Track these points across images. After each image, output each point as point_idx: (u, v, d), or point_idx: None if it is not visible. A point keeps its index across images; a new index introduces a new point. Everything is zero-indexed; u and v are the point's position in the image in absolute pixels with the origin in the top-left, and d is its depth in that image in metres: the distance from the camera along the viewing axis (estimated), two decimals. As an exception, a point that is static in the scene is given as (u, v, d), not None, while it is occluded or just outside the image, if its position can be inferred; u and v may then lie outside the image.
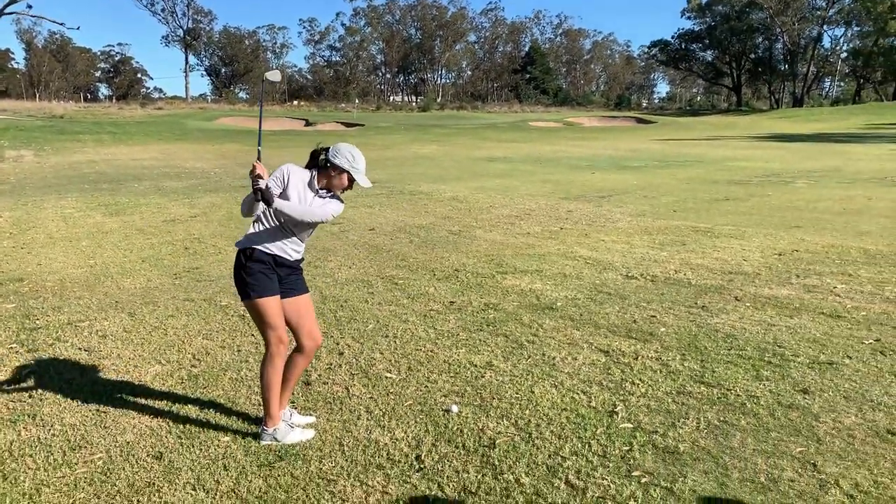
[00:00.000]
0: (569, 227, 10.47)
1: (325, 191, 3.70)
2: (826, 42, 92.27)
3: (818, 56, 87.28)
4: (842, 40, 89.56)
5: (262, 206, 3.51)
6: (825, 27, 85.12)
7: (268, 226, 3.66)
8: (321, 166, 3.67)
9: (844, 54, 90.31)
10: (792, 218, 11.12)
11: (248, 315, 6.04)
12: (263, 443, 3.73)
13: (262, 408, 3.88)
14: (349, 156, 3.63)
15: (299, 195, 3.63)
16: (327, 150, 3.69)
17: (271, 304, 3.63)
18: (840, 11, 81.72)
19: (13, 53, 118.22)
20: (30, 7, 39.84)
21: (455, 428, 3.87)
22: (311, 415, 4.10)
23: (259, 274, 3.61)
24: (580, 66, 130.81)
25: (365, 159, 3.72)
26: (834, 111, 66.28)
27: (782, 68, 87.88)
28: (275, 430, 3.75)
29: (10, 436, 3.84)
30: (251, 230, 3.69)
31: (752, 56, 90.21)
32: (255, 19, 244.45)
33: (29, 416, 4.09)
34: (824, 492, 3.17)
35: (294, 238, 3.72)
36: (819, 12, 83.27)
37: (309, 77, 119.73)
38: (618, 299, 6.48)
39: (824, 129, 45.66)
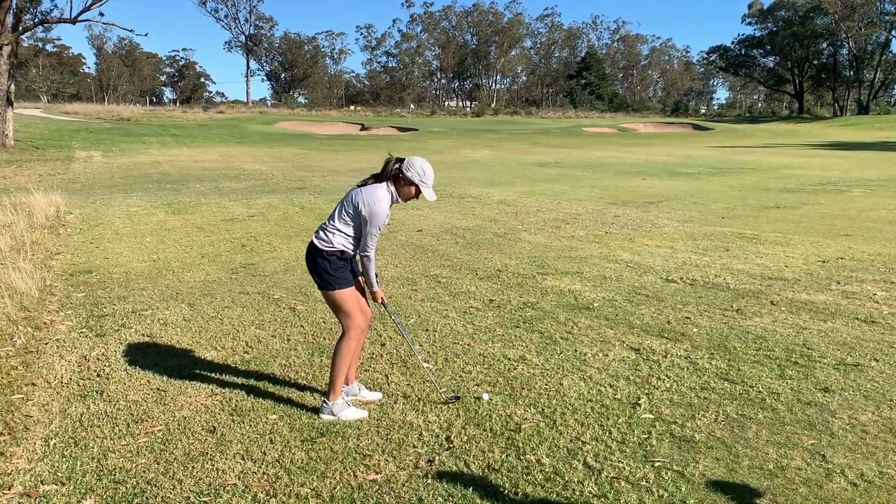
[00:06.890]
0: (614, 232, 10.61)
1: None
2: (894, 47, 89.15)
3: (886, 62, 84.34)
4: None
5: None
6: (893, 32, 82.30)
7: (354, 235, 4.03)
8: (394, 175, 4.00)
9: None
10: (842, 226, 11.03)
11: (298, 307, 6.44)
12: (323, 416, 4.09)
13: (312, 390, 4.16)
14: (420, 171, 3.99)
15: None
16: (401, 161, 4.02)
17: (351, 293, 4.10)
18: (910, 16, 78.93)
19: (85, 58, 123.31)
20: (101, 14, 41.42)
21: (484, 413, 4.12)
22: (377, 391, 4.48)
23: (343, 270, 4.04)
24: (637, 71, 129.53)
25: (434, 175, 4.08)
26: (901, 119, 64.11)
27: (847, 74, 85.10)
28: (333, 404, 4.10)
29: (80, 409, 4.25)
30: (339, 237, 4.02)
31: (816, 62, 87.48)
32: (315, 26, 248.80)
33: (97, 393, 4.50)
34: (829, 479, 3.32)
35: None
36: (887, 17, 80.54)
37: (366, 82, 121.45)
38: (654, 301, 6.63)
39: (889, 137, 44.36)
